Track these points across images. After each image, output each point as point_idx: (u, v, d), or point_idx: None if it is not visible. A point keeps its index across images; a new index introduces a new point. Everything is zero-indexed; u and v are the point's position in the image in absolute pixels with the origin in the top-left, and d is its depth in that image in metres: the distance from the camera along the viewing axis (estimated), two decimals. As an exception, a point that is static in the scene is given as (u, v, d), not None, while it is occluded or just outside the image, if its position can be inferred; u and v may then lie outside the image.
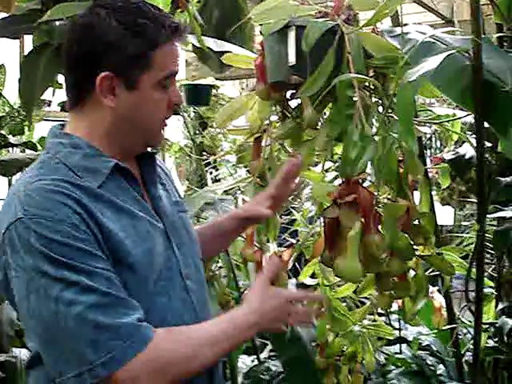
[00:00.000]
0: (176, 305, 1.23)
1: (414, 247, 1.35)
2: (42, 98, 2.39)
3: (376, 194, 1.24)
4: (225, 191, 2.44)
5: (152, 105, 1.22)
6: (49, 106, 4.03)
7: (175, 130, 4.20)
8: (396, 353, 2.47)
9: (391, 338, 1.83)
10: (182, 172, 4.61)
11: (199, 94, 4.01)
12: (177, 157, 4.47)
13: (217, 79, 4.16)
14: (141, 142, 1.29)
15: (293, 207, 1.95)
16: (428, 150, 5.42)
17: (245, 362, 2.81)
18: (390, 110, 1.31)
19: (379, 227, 1.23)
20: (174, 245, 1.27)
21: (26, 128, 3.60)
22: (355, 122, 1.20)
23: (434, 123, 1.34)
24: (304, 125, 1.36)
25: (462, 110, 1.51)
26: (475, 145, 1.19)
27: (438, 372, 2.39)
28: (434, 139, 5.73)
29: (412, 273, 1.44)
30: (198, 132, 4.19)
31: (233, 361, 2.60)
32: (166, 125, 1.29)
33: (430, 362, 2.44)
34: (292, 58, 1.33)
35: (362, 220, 1.20)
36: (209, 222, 1.61)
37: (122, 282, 1.14)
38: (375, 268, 1.30)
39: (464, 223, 3.55)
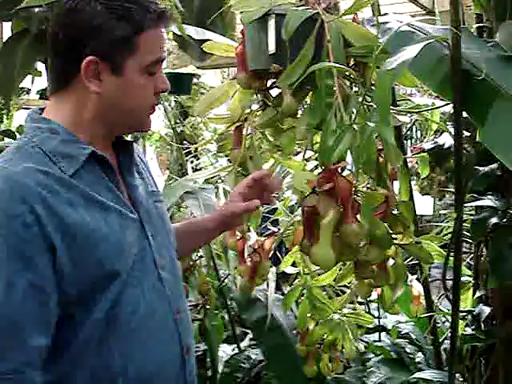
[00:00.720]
0: (149, 296, 1.22)
1: (393, 236, 1.36)
2: (21, 85, 2.36)
3: (355, 182, 1.25)
4: (206, 180, 2.43)
5: (138, 90, 1.22)
6: (28, 94, 3.99)
7: (156, 118, 4.17)
8: (375, 341, 2.50)
9: (371, 326, 1.84)
10: (163, 161, 4.59)
11: (180, 83, 3.97)
12: (157, 146, 4.44)
13: (198, 68, 4.13)
14: (126, 128, 1.30)
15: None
16: (408, 140, 5.44)
17: (225, 350, 2.83)
18: (369, 100, 1.32)
19: (358, 216, 1.24)
20: (148, 234, 1.26)
21: (5, 116, 3.56)
22: (334, 111, 1.21)
23: (414, 112, 1.35)
24: (283, 113, 1.36)
25: (442, 99, 1.52)
26: (454, 134, 1.20)
27: (417, 360, 2.42)
28: (414, 129, 5.75)
29: (391, 261, 1.45)
30: (178, 121, 4.16)
31: (213, 349, 2.61)
32: (153, 111, 1.28)
33: (408, 350, 2.46)
34: (272, 47, 1.33)
35: (341, 209, 1.20)
36: (188, 219, 1.61)
37: (89, 278, 1.14)
38: (354, 256, 1.31)
39: (443, 212, 3.57)
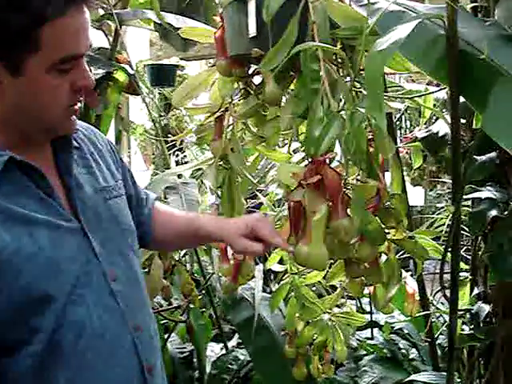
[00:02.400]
0: (97, 314, 1.10)
1: (386, 231, 1.27)
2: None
3: (344, 174, 1.16)
4: (192, 174, 2.33)
5: (46, 92, 1.05)
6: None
7: (139, 111, 4.07)
8: (367, 338, 2.42)
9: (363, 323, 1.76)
10: (148, 155, 4.48)
11: (163, 75, 3.89)
12: (142, 140, 4.34)
13: (182, 59, 4.04)
14: (43, 132, 1.13)
15: (259, 190, 1.86)
16: (398, 131, 5.36)
17: (214, 349, 2.74)
18: (358, 85, 1.23)
19: (348, 210, 1.15)
20: (94, 243, 1.13)
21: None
22: (320, 98, 1.11)
23: (406, 98, 1.26)
24: (265, 101, 1.26)
25: (437, 85, 1.43)
26: (449, 121, 1.11)
27: (411, 356, 2.35)
28: (403, 119, 5.68)
29: (383, 257, 1.36)
30: (163, 114, 4.07)
31: (200, 350, 2.52)
32: (74, 112, 1.11)
33: (402, 346, 2.39)
34: (252, 30, 1.23)
35: (329, 203, 1.11)
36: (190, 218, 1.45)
37: (13, 308, 1.02)
38: (344, 254, 1.21)
39: (440, 206, 3.51)
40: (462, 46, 1.05)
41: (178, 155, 3.60)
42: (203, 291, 2.40)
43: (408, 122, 5.79)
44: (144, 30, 4.16)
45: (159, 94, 4.34)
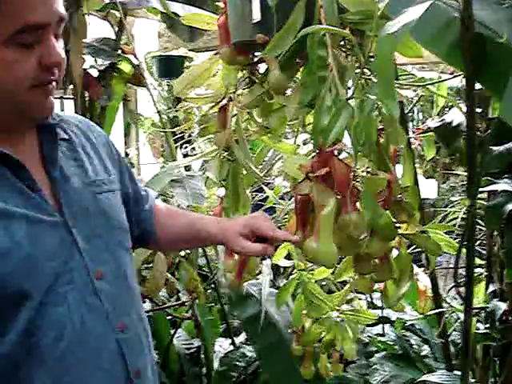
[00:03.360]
0: (79, 315, 1.03)
1: (397, 225, 1.21)
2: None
3: (353, 166, 1.10)
4: (201, 167, 2.27)
5: (6, 68, 0.96)
6: None
7: (148, 104, 4.02)
8: (378, 334, 2.36)
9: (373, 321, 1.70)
10: (157, 148, 4.43)
11: (171, 67, 3.83)
12: (150, 132, 4.29)
13: (190, 50, 3.98)
14: (13, 116, 1.04)
15: (265, 183, 1.80)
16: (410, 123, 5.28)
17: (222, 345, 2.70)
18: (367, 72, 1.17)
19: (357, 204, 1.09)
20: (78, 239, 1.06)
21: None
22: (328, 85, 1.05)
23: (418, 86, 1.19)
24: (271, 89, 1.21)
25: (450, 74, 1.37)
26: (464, 110, 1.05)
27: (423, 353, 2.29)
28: (416, 111, 5.60)
29: (394, 253, 1.30)
30: (171, 106, 4.01)
31: (208, 345, 2.47)
32: (44, 91, 1.02)
33: (413, 342, 2.33)
34: (257, 14, 1.18)
35: (338, 196, 1.06)
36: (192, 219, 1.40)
37: None
38: (353, 250, 1.16)
39: (449, 197, 3.44)
40: (477, 28, 0.99)
41: (186, 147, 3.54)
42: (211, 286, 2.36)
43: (420, 114, 5.71)
44: (152, 21, 4.10)
45: (168, 85, 4.28)
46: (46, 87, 1.01)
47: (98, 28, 2.54)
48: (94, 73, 2.36)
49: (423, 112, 5.70)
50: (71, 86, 2.13)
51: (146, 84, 2.35)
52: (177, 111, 4.04)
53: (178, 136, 3.33)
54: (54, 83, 1.03)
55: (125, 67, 2.39)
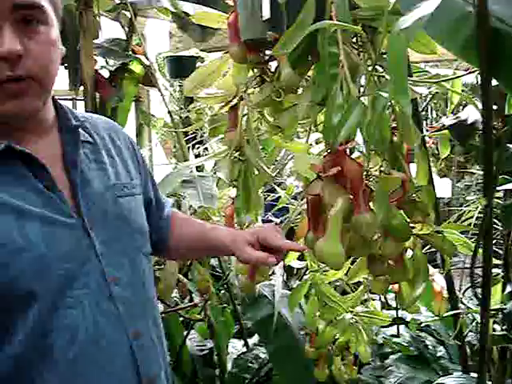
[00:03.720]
0: (93, 318, 1.02)
1: (411, 225, 1.18)
2: None
3: (366, 165, 1.08)
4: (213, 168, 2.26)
5: None
6: None
7: (160, 104, 4.01)
8: (393, 335, 2.33)
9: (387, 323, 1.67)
10: (169, 149, 4.42)
11: (183, 67, 3.82)
12: (162, 133, 4.28)
13: (201, 51, 3.96)
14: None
15: (277, 183, 1.78)
16: (424, 121, 5.24)
17: (236, 346, 2.68)
18: (380, 70, 1.14)
19: (370, 204, 1.07)
20: (96, 242, 1.05)
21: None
22: (340, 83, 1.03)
23: (432, 83, 1.17)
24: (281, 87, 1.19)
25: (465, 71, 1.34)
26: (480, 107, 1.02)
27: (438, 354, 2.26)
28: (429, 109, 5.55)
29: (409, 253, 1.28)
30: (182, 107, 4.00)
31: (221, 346, 2.46)
32: (5, 89, 0.96)
33: (429, 343, 2.30)
34: (267, 11, 1.16)
35: (350, 196, 1.03)
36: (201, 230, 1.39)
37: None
38: (366, 251, 1.14)
39: (463, 196, 3.40)
40: (493, 23, 0.96)
41: (198, 148, 3.53)
42: (224, 287, 2.34)
43: (434, 113, 5.66)
44: (164, 22, 4.09)
45: (179, 86, 4.27)
46: (6, 85, 0.95)
47: (108, 29, 2.54)
48: (105, 74, 2.36)
49: (437, 110, 5.65)
50: (82, 88, 2.12)
51: (157, 84, 2.33)
52: (188, 112, 4.03)
53: (190, 136, 3.32)
54: (21, 82, 0.97)
55: (136, 68, 2.37)
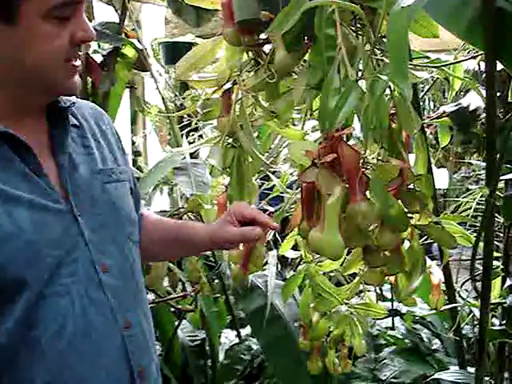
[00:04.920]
0: (82, 308, 0.99)
1: (409, 215, 1.14)
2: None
3: (363, 153, 1.04)
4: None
5: (42, 41, 0.96)
6: None
7: (154, 91, 3.95)
8: (388, 327, 2.30)
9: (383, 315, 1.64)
10: (163, 137, 4.36)
11: (178, 53, 3.75)
12: (156, 120, 4.23)
13: (197, 37, 3.90)
14: (37, 92, 1.03)
15: (272, 171, 1.74)
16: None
17: (228, 336, 2.64)
18: (379, 53, 1.10)
19: (367, 193, 1.02)
20: (84, 229, 1.02)
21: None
22: (337, 66, 0.98)
23: (433, 67, 1.12)
24: (276, 70, 1.14)
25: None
26: (485, 91, 0.97)
27: (434, 347, 2.22)
28: (427, 100, 5.50)
29: (406, 244, 1.24)
30: (177, 94, 3.94)
31: (213, 337, 2.42)
32: (73, 69, 1.02)
33: (424, 336, 2.27)
34: (262, -10, 1.11)
35: (346, 185, 0.99)
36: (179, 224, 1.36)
37: None
38: (362, 241, 1.09)
39: (460, 187, 3.36)
40: (499, 3, 0.91)
41: (193, 135, 3.48)
42: (217, 276, 2.30)
43: (432, 104, 5.61)
44: (159, 7, 4.03)
45: (175, 72, 4.22)
46: (74, 64, 1.01)
47: (103, 14, 2.48)
48: (99, 58, 2.30)
49: (434, 101, 5.60)
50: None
51: (149, 69, 2.28)
52: (183, 98, 3.98)
53: (185, 123, 3.26)
54: (78, 61, 1.02)
55: (129, 52, 2.32)
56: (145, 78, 4.28)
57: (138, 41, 2.26)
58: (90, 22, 2.12)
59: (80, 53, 1.03)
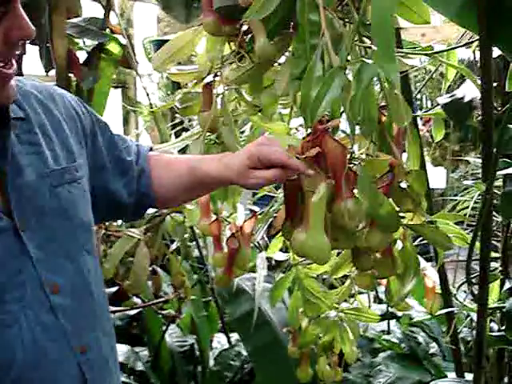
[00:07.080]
0: (31, 335, 0.88)
1: (401, 215, 1.06)
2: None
3: (350, 147, 0.96)
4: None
5: None
6: None
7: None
8: (383, 331, 2.22)
9: (378, 313, 1.56)
10: (155, 136, 4.28)
11: (169, 51, 3.69)
12: (148, 120, 4.15)
13: (189, 35, 3.84)
14: None
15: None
16: (419, 111, 5.11)
17: (220, 341, 2.57)
18: (366, 41, 1.02)
19: (355, 190, 0.95)
20: (30, 247, 0.90)
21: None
22: (320, 53, 0.91)
23: (426, 55, 1.05)
24: (256, 59, 1.07)
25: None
26: (481, 80, 0.90)
27: (431, 351, 2.15)
28: (424, 99, 5.43)
29: (398, 246, 1.16)
30: (169, 93, 3.87)
31: (203, 342, 2.34)
32: (7, 76, 0.89)
33: (421, 340, 2.20)
34: (241, -25, 1.03)
35: (331, 181, 0.92)
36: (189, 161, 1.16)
37: None
38: (350, 243, 1.02)
39: (458, 186, 3.28)
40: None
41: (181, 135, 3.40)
42: (206, 280, 2.22)
43: (429, 103, 5.54)
44: (151, 6, 3.95)
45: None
46: (6, 70, 0.87)
47: (90, 10, 2.40)
48: (83, 55, 2.22)
49: (432, 100, 5.53)
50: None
51: (134, 66, 2.20)
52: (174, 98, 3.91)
53: (176, 122, 3.20)
54: (14, 68, 0.89)
55: (114, 48, 2.24)
56: (137, 78, 4.20)
57: (123, 36, 2.18)
58: (79, 17, 2.06)
59: (17, 52, 0.89)
